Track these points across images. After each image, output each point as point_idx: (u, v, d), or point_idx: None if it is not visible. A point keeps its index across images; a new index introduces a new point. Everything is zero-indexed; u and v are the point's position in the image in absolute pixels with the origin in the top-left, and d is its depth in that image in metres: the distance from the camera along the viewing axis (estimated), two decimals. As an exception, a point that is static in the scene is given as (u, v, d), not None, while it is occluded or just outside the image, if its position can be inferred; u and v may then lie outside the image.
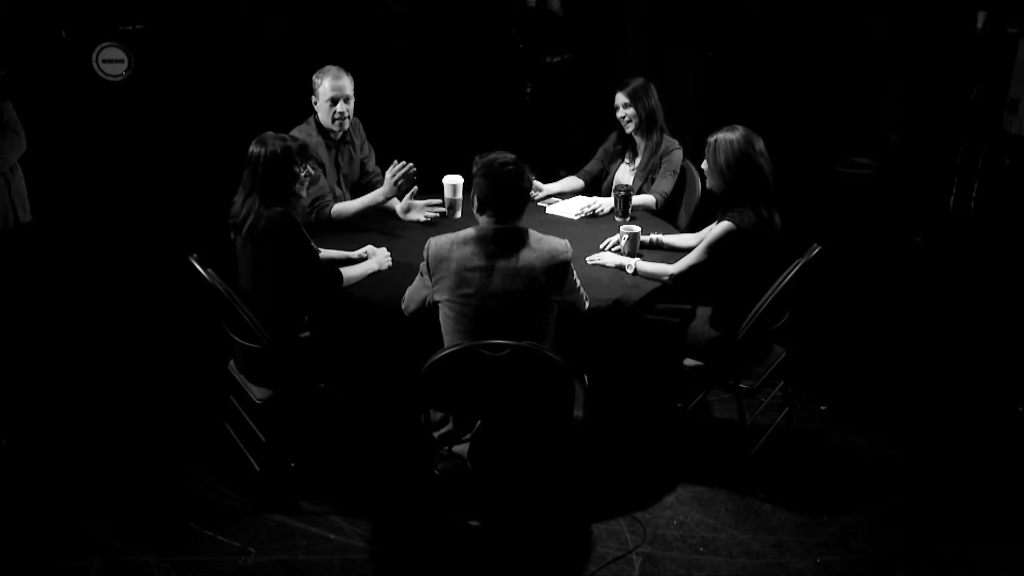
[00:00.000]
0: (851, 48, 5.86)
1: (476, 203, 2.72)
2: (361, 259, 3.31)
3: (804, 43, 5.89)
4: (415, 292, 2.83)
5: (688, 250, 3.25)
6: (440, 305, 2.69)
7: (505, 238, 2.65)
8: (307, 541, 2.99)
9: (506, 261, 2.62)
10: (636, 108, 3.95)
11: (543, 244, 2.67)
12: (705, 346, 3.26)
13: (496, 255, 2.63)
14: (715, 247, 3.13)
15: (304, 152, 3.06)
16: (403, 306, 2.88)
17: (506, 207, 2.67)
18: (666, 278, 3.20)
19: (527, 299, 2.63)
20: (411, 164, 3.62)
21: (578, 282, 2.82)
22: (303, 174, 3.05)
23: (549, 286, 2.66)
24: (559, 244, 2.70)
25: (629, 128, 4.00)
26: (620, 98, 3.97)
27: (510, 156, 2.70)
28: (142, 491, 3.25)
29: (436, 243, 2.70)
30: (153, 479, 3.32)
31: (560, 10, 6.61)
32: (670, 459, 3.45)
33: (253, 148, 3.00)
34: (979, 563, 2.93)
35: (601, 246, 3.44)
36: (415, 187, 3.70)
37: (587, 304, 2.89)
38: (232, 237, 3.07)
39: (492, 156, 2.70)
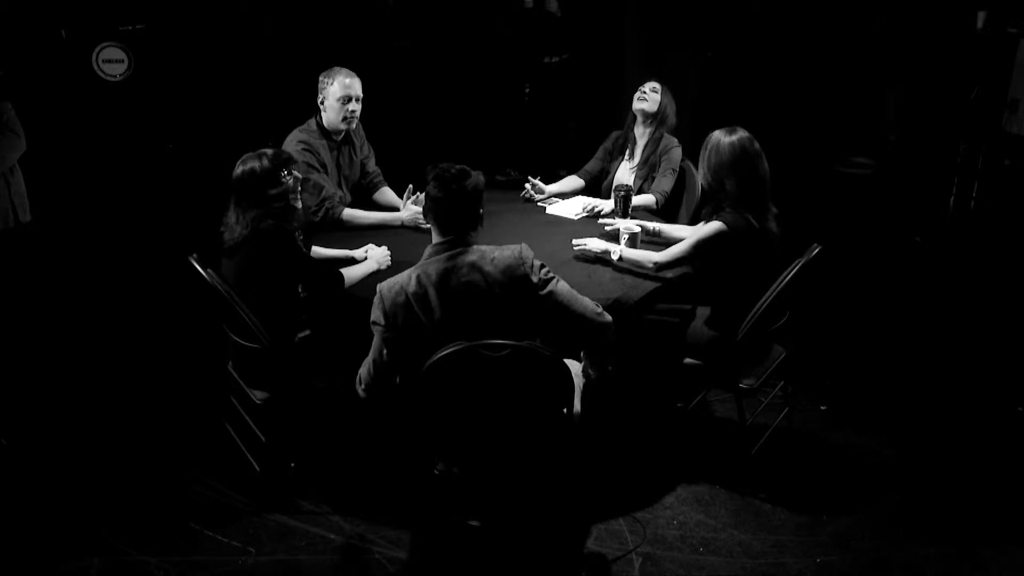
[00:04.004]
0: (851, 48, 5.86)
1: (429, 217, 2.58)
2: (363, 259, 3.31)
3: (804, 43, 5.89)
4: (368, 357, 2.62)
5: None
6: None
7: (453, 251, 2.52)
8: (307, 541, 2.99)
9: (459, 277, 2.50)
10: (662, 98, 4.04)
11: (497, 264, 2.51)
12: (702, 346, 3.26)
13: (448, 273, 2.50)
14: (702, 245, 3.14)
15: (286, 162, 3.02)
16: (363, 384, 2.64)
17: (458, 224, 2.53)
18: (650, 265, 3.20)
19: (502, 314, 2.53)
20: None
21: (551, 274, 2.61)
22: (292, 182, 3.02)
23: (516, 301, 2.54)
24: (513, 259, 2.53)
25: (644, 105, 4.03)
26: (652, 83, 4.08)
27: (456, 166, 2.55)
28: (142, 491, 3.25)
29: (386, 287, 2.53)
30: (153, 479, 3.32)
31: (558, 10, 6.61)
32: (670, 459, 3.45)
33: (236, 169, 2.97)
34: (979, 563, 2.93)
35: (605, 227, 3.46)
36: (417, 194, 3.74)
37: (594, 307, 2.65)
38: (223, 259, 3.05)
39: (444, 168, 2.55)
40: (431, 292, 2.50)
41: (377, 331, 2.56)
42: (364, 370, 2.65)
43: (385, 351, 2.56)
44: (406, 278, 2.53)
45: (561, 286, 2.59)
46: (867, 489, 3.31)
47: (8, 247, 3.95)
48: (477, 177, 2.57)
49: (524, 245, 2.59)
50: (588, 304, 2.62)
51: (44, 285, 4.47)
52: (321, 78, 3.71)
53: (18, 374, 3.96)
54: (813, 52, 5.87)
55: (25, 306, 4.23)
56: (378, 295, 2.54)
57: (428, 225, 3.15)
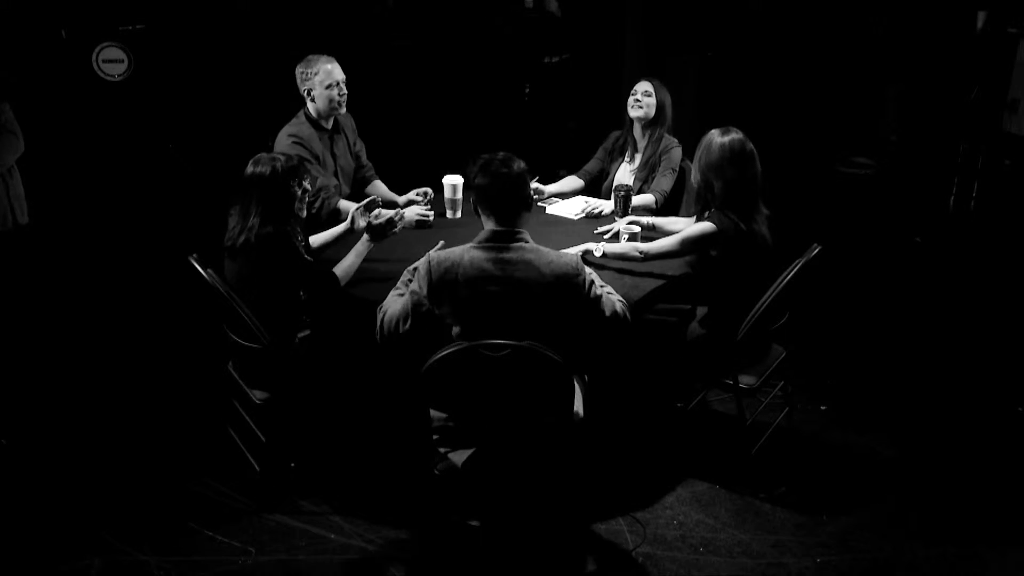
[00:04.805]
0: (851, 48, 5.87)
1: (482, 208, 2.61)
2: (349, 231, 3.29)
3: (804, 43, 5.90)
4: (395, 306, 2.63)
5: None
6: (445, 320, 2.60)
7: (511, 244, 2.56)
8: (307, 541, 2.99)
9: (513, 271, 2.52)
10: (658, 97, 3.99)
11: (554, 268, 2.54)
12: (695, 345, 3.27)
13: (504, 264, 2.52)
14: (688, 242, 3.14)
15: (297, 170, 3.02)
16: (385, 328, 2.63)
17: (511, 208, 2.57)
18: (637, 253, 3.20)
19: (535, 311, 2.56)
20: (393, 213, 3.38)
21: (599, 290, 2.67)
22: (300, 192, 3.03)
23: (559, 307, 2.58)
24: (570, 269, 2.56)
25: (640, 112, 3.99)
26: (644, 85, 4.00)
27: (500, 153, 2.62)
28: (142, 491, 3.25)
29: (437, 259, 2.55)
30: (153, 479, 3.32)
31: (558, 11, 6.62)
32: (670, 459, 3.45)
33: (248, 169, 2.97)
34: (979, 564, 2.93)
35: (604, 235, 3.46)
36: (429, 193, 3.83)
37: (617, 306, 2.70)
38: (225, 259, 3.05)
39: (490, 157, 2.61)
40: (483, 279, 2.50)
41: (413, 297, 2.56)
42: (387, 320, 2.62)
43: (411, 319, 2.56)
44: (459, 256, 2.53)
45: (605, 303, 2.64)
46: (867, 489, 3.31)
47: (7, 249, 3.96)
48: (520, 160, 2.60)
49: (580, 258, 2.65)
50: (619, 308, 2.69)
51: (43, 286, 4.47)
52: (300, 69, 3.68)
53: (18, 374, 3.96)
54: (813, 52, 5.87)
55: (25, 307, 4.23)
56: (426, 264, 2.54)
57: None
